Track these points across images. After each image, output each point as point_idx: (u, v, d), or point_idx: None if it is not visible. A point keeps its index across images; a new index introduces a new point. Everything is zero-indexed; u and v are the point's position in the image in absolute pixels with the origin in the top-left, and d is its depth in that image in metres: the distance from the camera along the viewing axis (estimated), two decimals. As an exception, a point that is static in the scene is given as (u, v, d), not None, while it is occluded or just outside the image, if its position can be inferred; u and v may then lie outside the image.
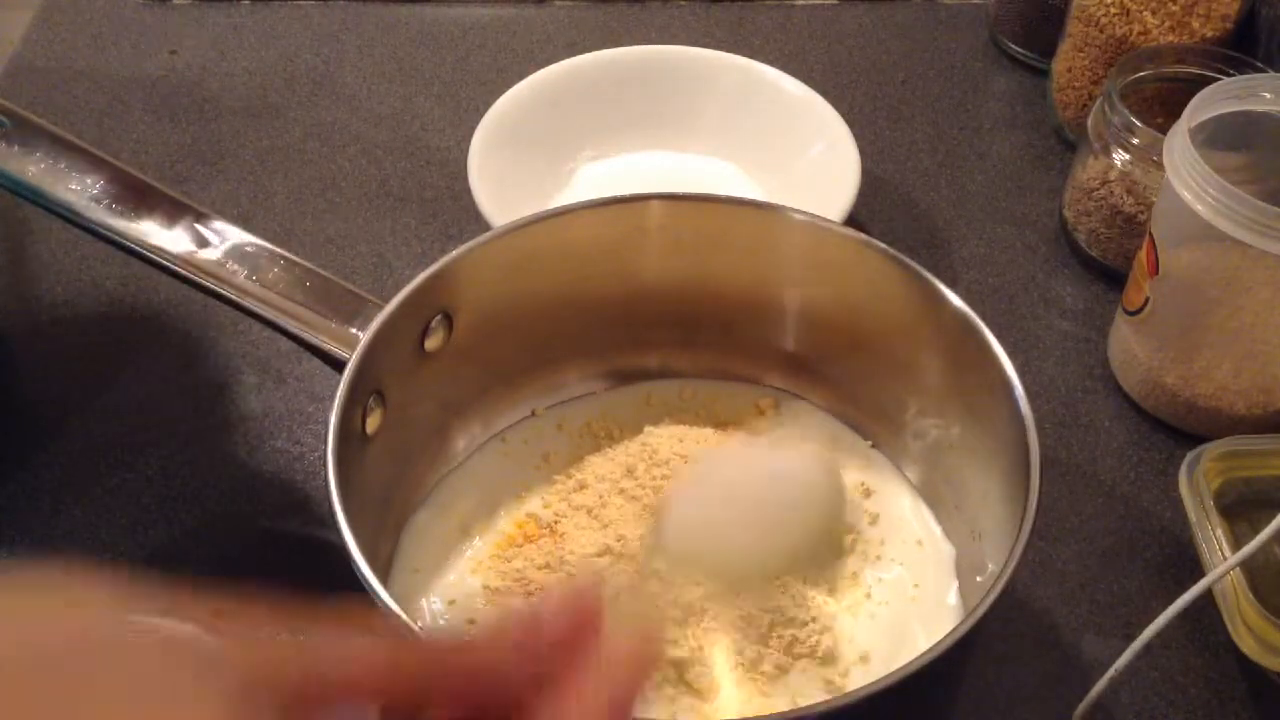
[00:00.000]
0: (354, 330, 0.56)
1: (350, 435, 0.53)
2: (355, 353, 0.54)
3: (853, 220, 0.73)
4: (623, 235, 0.62)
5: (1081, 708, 0.55)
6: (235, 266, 0.58)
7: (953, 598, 0.58)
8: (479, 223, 0.72)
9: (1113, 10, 0.79)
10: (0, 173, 0.60)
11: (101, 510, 0.65)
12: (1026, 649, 0.60)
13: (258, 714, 0.30)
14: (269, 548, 0.64)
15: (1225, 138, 0.66)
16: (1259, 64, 0.74)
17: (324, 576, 0.62)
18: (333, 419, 0.51)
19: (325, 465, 0.50)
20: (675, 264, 0.63)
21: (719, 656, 0.54)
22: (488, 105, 0.79)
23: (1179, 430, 0.69)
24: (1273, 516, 0.54)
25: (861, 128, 0.81)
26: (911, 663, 0.45)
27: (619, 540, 0.56)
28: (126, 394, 0.70)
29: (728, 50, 0.84)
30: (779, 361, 0.65)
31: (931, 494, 0.61)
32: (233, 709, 0.29)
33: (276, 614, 0.32)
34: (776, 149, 0.80)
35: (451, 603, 0.57)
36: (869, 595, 0.57)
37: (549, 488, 0.61)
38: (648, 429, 0.63)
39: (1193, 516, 0.60)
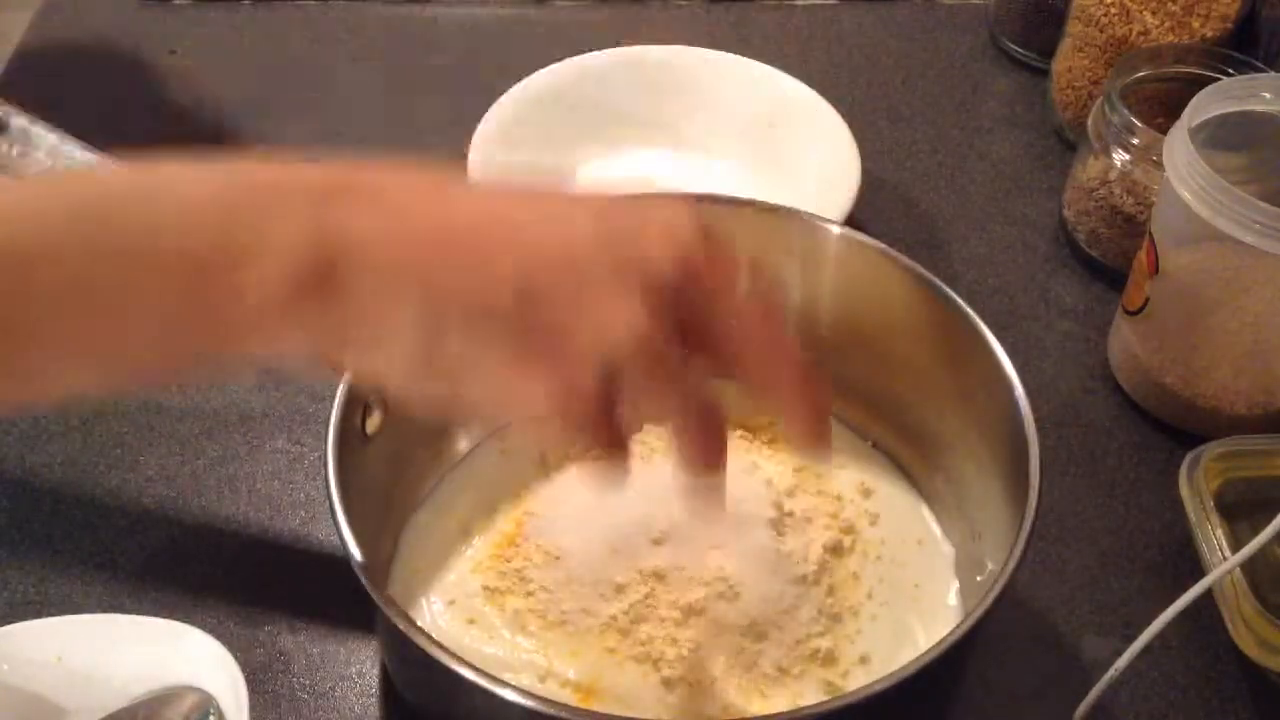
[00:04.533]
0: (354, 330, 0.56)
1: (350, 435, 0.53)
2: (355, 353, 0.54)
3: (853, 220, 0.73)
4: (623, 235, 0.62)
5: (1082, 708, 0.55)
6: (235, 266, 0.58)
7: (953, 598, 0.58)
8: (479, 223, 0.72)
9: (1113, 10, 0.79)
10: (1, 173, 0.60)
11: (101, 510, 0.65)
12: (1026, 649, 0.60)
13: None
14: (269, 548, 0.64)
15: (1225, 138, 0.66)
16: (1259, 64, 0.74)
17: (324, 576, 0.62)
18: (333, 419, 0.52)
19: (325, 465, 0.50)
20: (675, 264, 0.63)
21: (719, 657, 0.54)
22: (488, 105, 0.79)
23: (1179, 430, 0.69)
24: (1273, 516, 0.54)
25: (861, 128, 0.81)
26: (911, 663, 0.45)
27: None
28: (126, 394, 0.70)
29: (728, 50, 0.84)
30: (779, 361, 0.65)
31: (931, 494, 0.61)
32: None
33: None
34: (776, 149, 0.80)
35: (451, 603, 0.57)
36: (869, 595, 0.57)
37: (547, 486, 0.61)
38: (647, 427, 0.63)
39: (1193, 516, 0.60)
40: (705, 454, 0.43)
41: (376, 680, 0.58)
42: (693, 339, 0.40)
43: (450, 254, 0.39)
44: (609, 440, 0.41)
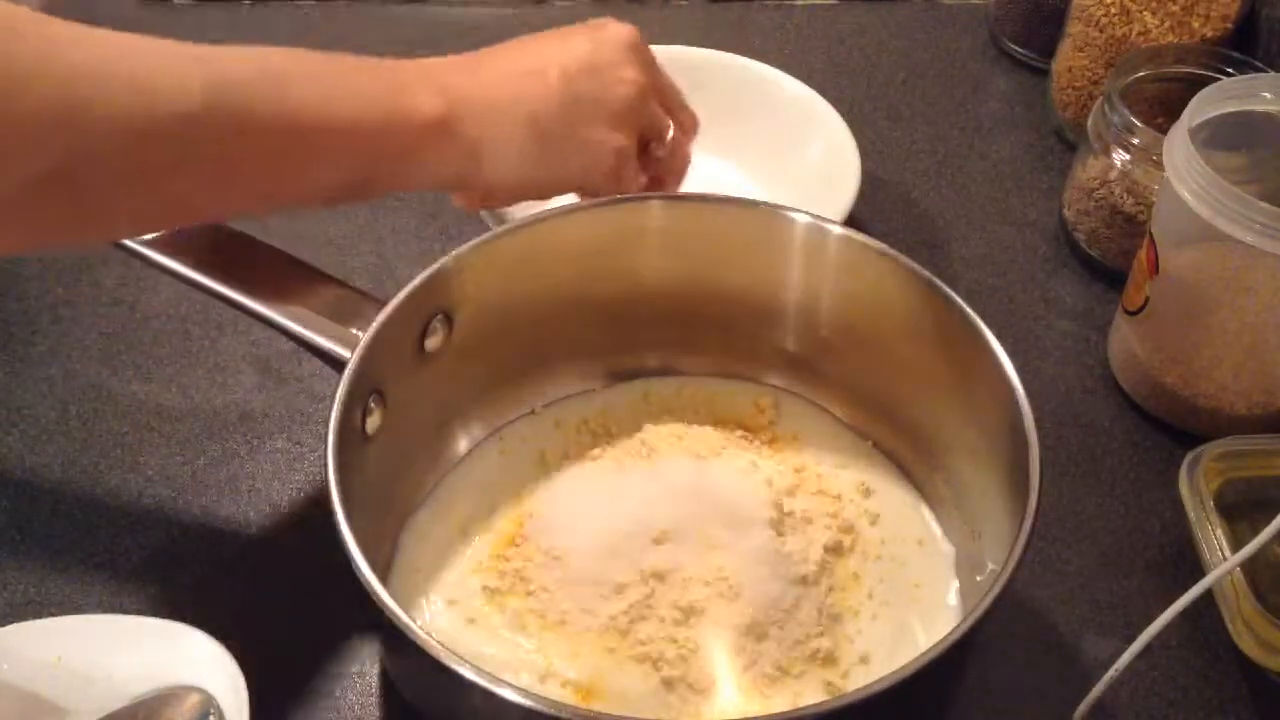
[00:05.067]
0: (354, 330, 0.56)
1: (350, 435, 0.53)
2: (355, 353, 0.54)
3: (853, 220, 0.73)
4: (623, 235, 0.62)
5: (1081, 708, 0.55)
6: (235, 266, 0.58)
7: (953, 598, 0.58)
8: (479, 223, 0.72)
9: (1113, 10, 0.79)
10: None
11: (101, 510, 0.65)
12: (1026, 649, 0.60)
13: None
14: (269, 548, 0.64)
15: (1225, 138, 0.66)
16: (1259, 64, 0.74)
17: (324, 576, 0.62)
18: (333, 419, 0.51)
19: (325, 465, 0.50)
20: (675, 264, 0.63)
21: (719, 657, 0.54)
22: (488, 105, 0.79)
23: (1179, 430, 0.69)
24: (1273, 516, 0.54)
25: (861, 128, 0.81)
26: (911, 663, 0.45)
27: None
28: (126, 394, 0.70)
29: (728, 50, 0.84)
30: (779, 360, 0.65)
31: (931, 494, 0.61)
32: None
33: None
34: (776, 149, 0.80)
35: (451, 602, 0.57)
36: (870, 595, 0.57)
37: (547, 486, 0.61)
38: (647, 426, 0.63)
39: (1193, 516, 0.60)
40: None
41: (376, 680, 0.58)
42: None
43: (521, 81, 0.60)
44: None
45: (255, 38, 0.94)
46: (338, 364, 0.55)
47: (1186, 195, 0.62)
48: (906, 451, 0.63)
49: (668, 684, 0.53)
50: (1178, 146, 0.63)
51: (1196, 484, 0.61)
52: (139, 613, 0.56)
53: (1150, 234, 0.66)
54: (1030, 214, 0.82)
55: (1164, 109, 0.76)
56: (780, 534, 0.57)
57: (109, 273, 0.76)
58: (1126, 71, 0.74)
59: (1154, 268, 0.66)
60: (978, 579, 0.56)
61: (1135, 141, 0.71)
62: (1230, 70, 0.73)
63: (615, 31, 0.63)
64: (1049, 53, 0.87)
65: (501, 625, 0.56)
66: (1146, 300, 0.67)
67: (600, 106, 0.60)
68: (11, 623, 0.54)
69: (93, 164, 0.47)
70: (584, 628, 0.55)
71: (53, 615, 0.56)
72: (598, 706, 0.52)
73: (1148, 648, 0.53)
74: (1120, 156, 0.72)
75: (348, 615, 0.59)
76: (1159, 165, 0.66)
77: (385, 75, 0.57)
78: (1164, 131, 0.66)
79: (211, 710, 0.51)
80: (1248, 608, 0.56)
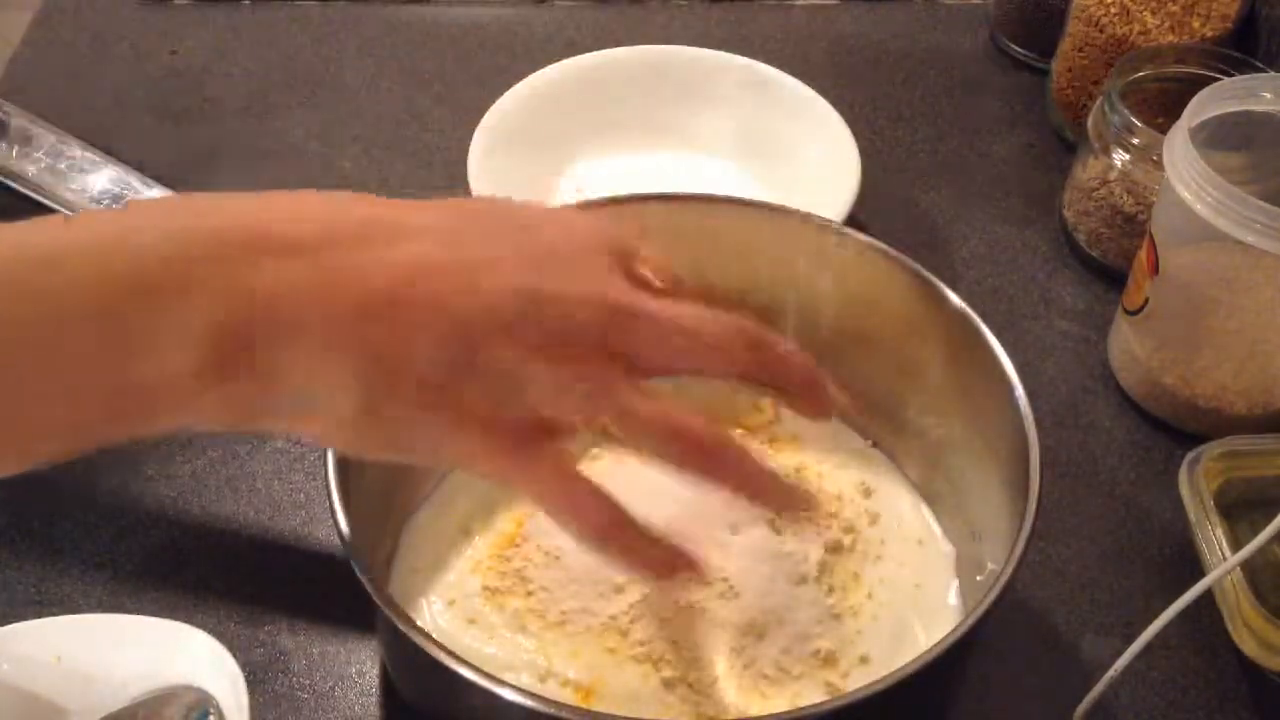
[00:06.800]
0: (354, 330, 0.56)
1: (350, 435, 0.53)
2: (355, 353, 0.54)
3: (853, 220, 0.73)
4: (622, 235, 0.62)
5: (1081, 708, 0.55)
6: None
7: (953, 598, 0.58)
8: (479, 223, 0.72)
9: (1113, 10, 0.79)
10: (0, 173, 0.60)
11: (101, 510, 0.65)
12: (1026, 649, 0.60)
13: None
14: (269, 548, 0.64)
15: (1225, 138, 0.66)
16: (1259, 64, 0.74)
17: (324, 576, 0.62)
18: (333, 419, 0.51)
19: (325, 465, 0.50)
20: (675, 264, 0.63)
21: (719, 657, 0.54)
22: (488, 105, 0.79)
23: (1179, 430, 0.69)
24: (1273, 516, 0.54)
25: (861, 128, 0.81)
26: (911, 663, 0.45)
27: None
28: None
29: (728, 50, 0.84)
30: (779, 361, 0.65)
31: (931, 494, 0.61)
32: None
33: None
34: (776, 149, 0.80)
35: (451, 603, 0.57)
36: (870, 595, 0.57)
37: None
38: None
39: (1193, 516, 0.60)
40: (704, 456, 0.44)
41: (376, 680, 0.58)
42: (642, 359, 0.43)
43: (379, 323, 0.38)
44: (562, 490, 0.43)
45: (255, 37, 0.95)
46: (338, 364, 0.55)
47: (1186, 195, 0.62)
48: (906, 451, 0.62)
49: (668, 684, 0.53)
50: (1178, 146, 0.63)
51: (1196, 484, 0.61)
52: (139, 613, 0.56)
53: (1150, 234, 0.66)
54: (1030, 214, 0.82)
55: (1164, 109, 0.76)
56: (780, 534, 0.57)
57: (109, 273, 0.76)
58: (1126, 71, 0.74)
59: (1154, 268, 0.66)
60: (978, 579, 0.56)
61: (1135, 141, 0.71)
62: (1230, 70, 0.73)
63: (583, 236, 0.43)
64: (1049, 53, 0.87)
65: (501, 625, 0.56)
66: (1146, 300, 0.67)
67: (492, 405, 0.40)
68: (11, 623, 0.54)
69: None
70: (584, 628, 0.54)
71: (53, 615, 0.55)
72: (598, 706, 0.52)
73: (1148, 648, 0.53)
74: (1120, 156, 0.72)
75: (348, 615, 0.59)
76: (1159, 165, 0.66)
77: (140, 244, 0.37)
78: (1164, 131, 0.66)
79: (211, 710, 0.51)
80: (1248, 608, 0.56)
